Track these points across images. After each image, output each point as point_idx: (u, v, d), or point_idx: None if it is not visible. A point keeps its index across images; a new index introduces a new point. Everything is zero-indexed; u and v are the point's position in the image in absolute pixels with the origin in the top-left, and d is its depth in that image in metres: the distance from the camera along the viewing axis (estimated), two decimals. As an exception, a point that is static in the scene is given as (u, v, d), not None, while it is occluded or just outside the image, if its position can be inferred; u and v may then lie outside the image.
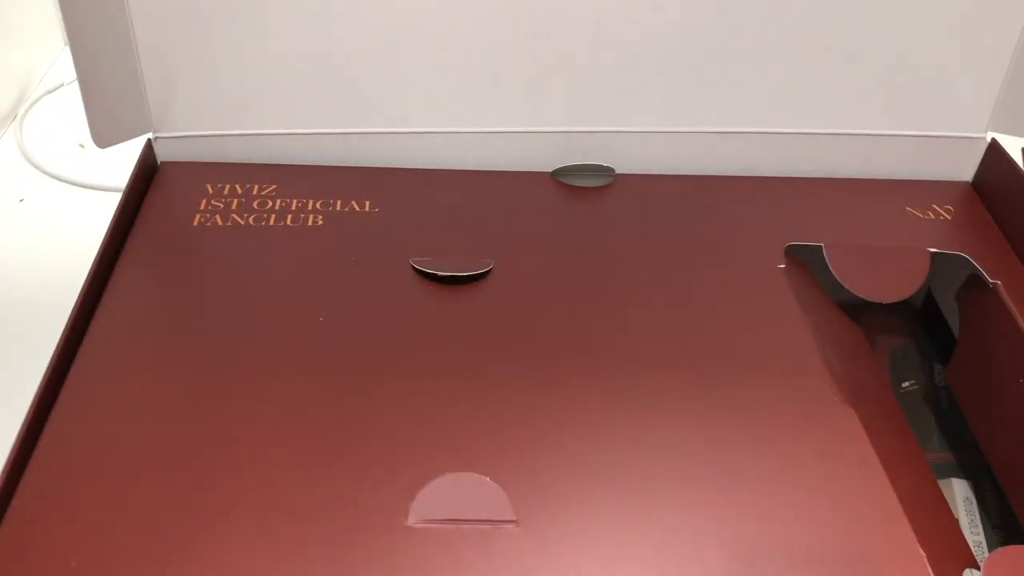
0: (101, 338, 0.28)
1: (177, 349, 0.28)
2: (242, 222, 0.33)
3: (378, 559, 0.23)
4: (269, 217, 0.34)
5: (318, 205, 0.34)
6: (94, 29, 0.33)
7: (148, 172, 0.36)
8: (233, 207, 0.34)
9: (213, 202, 0.34)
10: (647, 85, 0.36)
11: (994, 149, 0.37)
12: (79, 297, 0.29)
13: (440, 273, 0.31)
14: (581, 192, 0.36)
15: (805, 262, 0.33)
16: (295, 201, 0.34)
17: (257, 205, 0.34)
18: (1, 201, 0.50)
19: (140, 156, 0.35)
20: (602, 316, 0.30)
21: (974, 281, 0.33)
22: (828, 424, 0.27)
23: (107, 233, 0.31)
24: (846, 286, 0.32)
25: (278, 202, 0.34)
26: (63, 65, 0.63)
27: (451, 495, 0.24)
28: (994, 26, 0.35)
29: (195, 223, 0.33)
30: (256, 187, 0.35)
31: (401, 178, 0.36)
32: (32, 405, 0.25)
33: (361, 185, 0.36)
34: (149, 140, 0.36)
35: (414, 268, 0.31)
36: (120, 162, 0.37)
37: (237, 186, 0.35)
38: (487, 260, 0.32)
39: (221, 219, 0.33)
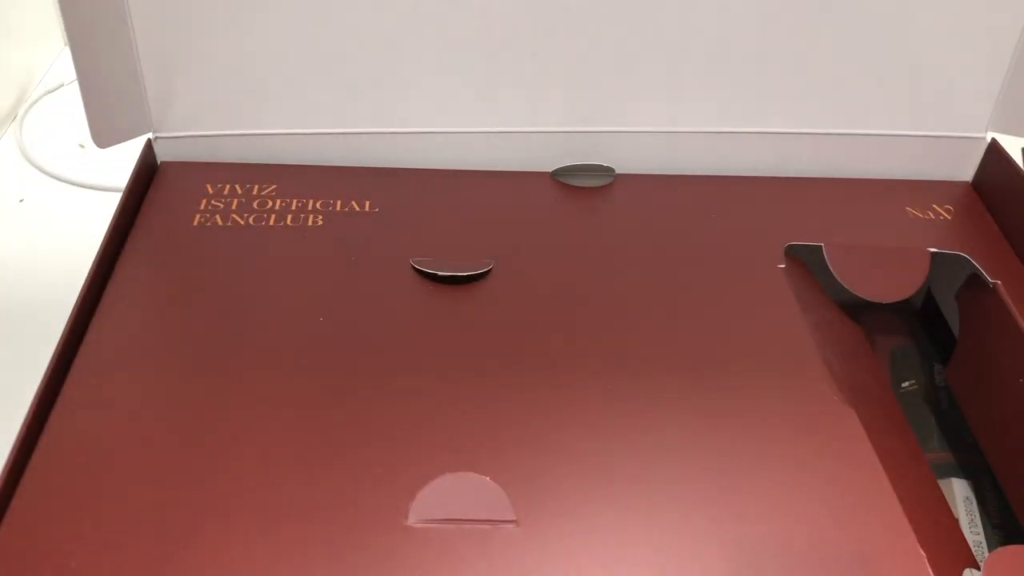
0: (101, 338, 0.28)
1: (177, 349, 0.28)
2: (242, 222, 0.33)
3: (378, 559, 0.23)
4: (269, 217, 0.34)
5: (318, 205, 0.34)
6: (94, 29, 0.33)
7: (148, 172, 0.36)
8: (233, 207, 0.34)
9: (213, 202, 0.34)
10: (647, 85, 0.36)
11: (994, 149, 0.37)
12: (79, 297, 0.29)
13: (440, 273, 0.31)
14: (581, 192, 0.36)
15: (805, 262, 0.33)
16: (295, 201, 0.34)
17: (257, 205, 0.34)
18: (1, 201, 0.50)
19: (140, 156, 0.35)
20: (602, 316, 0.30)
21: (974, 281, 0.33)
22: (828, 424, 0.27)
23: (107, 233, 0.31)
24: (846, 286, 0.32)
25: (278, 202, 0.34)
26: (63, 65, 0.63)
27: (451, 495, 0.24)
28: (994, 26, 0.35)
29: (195, 223, 0.33)
30: (256, 187, 0.35)
31: (401, 178, 0.36)
32: (32, 405, 0.25)
33: (361, 185, 0.36)
34: (149, 140, 0.36)
35: (414, 268, 0.31)
36: (120, 162, 0.37)
37: (237, 186, 0.35)
38: (487, 260, 0.32)
39: (221, 219, 0.33)
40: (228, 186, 0.35)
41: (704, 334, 0.30)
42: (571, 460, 0.25)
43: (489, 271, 0.32)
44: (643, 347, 0.29)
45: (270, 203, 0.34)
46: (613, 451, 0.26)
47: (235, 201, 0.34)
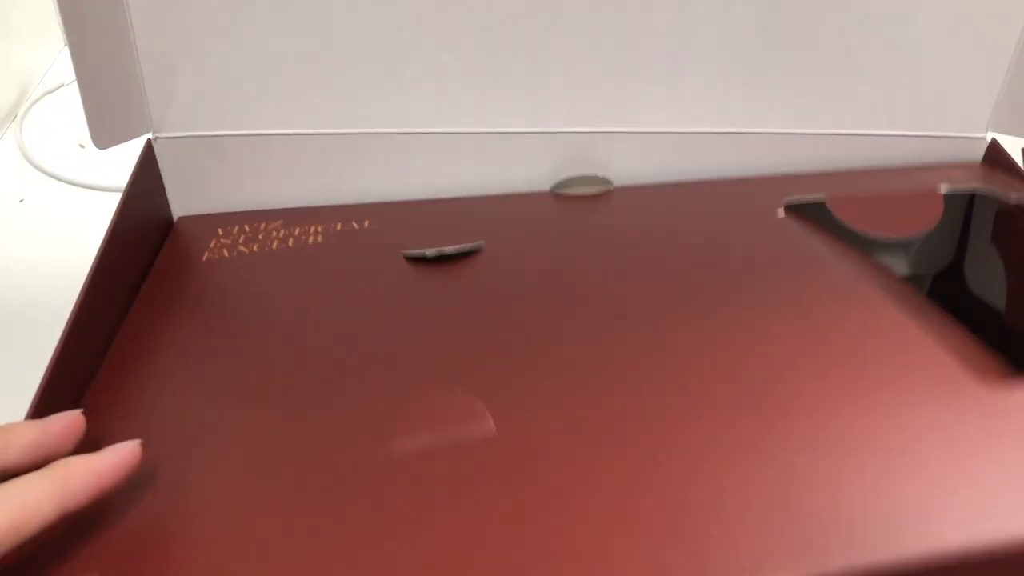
0: (117, 362, 0.29)
1: (190, 375, 0.29)
2: (247, 251, 0.34)
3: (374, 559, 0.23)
4: (272, 243, 0.34)
5: (319, 228, 0.35)
6: (94, 29, 0.33)
7: (148, 172, 0.36)
8: (240, 242, 0.35)
9: (223, 240, 0.35)
10: (647, 85, 0.36)
11: (994, 149, 0.37)
12: (79, 297, 0.29)
13: (428, 254, 0.31)
14: (579, 202, 0.36)
15: (806, 217, 0.33)
16: (297, 228, 0.35)
17: (262, 237, 0.35)
18: (1, 201, 0.50)
19: (140, 156, 0.36)
20: (602, 326, 0.30)
21: (1005, 211, 0.32)
22: (830, 430, 0.27)
23: (107, 233, 0.31)
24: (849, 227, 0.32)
25: (283, 232, 0.35)
26: (63, 65, 0.63)
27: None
28: (994, 26, 0.35)
29: (204, 258, 0.34)
30: (263, 224, 0.36)
31: (401, 204, 0.37)
32: (32, 405, 0.25)
33: (361, 209, 0.36)
34: (149, 140, 0.36)
35: (406, 258, 0.31)
36: (120, 162, 0.37)
37: (247, 226, 0.36)
38: (478, 241, 0.32)
39: (228, 252, 0.34)
40: (237, 227, 0.36)
41: (707, 344, 0.29)
42: (572, 468, 0.25)
43: (479, 250, 0.31)
44: (646, 358, 0.29)
45: (275, 233, 0.35)
46: (614, 455, 0.26)
47: (242, 237, 0.35)
